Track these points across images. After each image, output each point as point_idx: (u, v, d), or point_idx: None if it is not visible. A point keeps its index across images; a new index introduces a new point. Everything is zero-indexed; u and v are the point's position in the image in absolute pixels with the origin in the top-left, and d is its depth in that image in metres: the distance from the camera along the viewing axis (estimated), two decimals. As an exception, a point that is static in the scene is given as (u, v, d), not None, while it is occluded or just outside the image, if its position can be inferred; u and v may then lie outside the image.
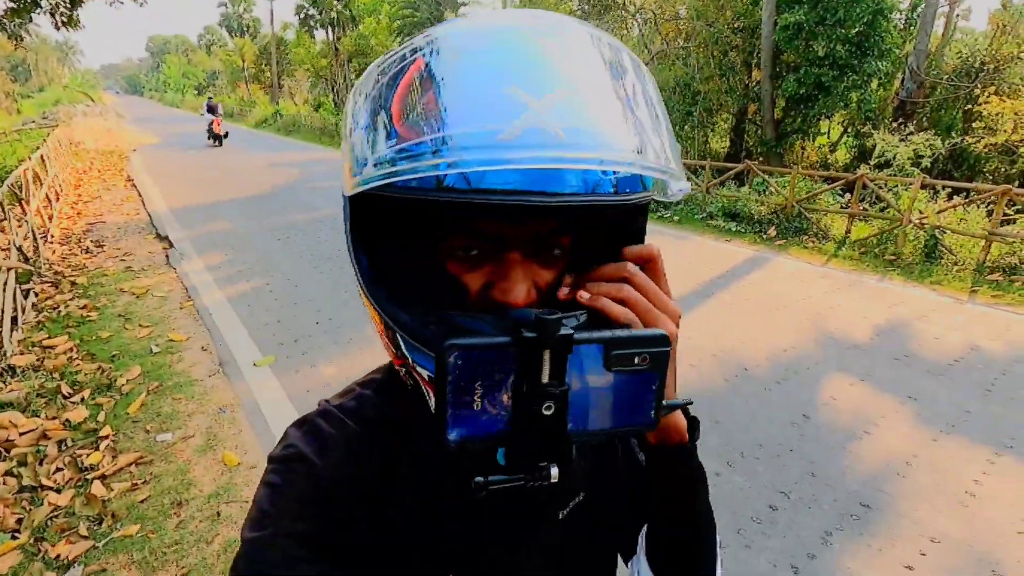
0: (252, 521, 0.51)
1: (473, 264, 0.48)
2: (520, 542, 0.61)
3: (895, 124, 11.26)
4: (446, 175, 0.41)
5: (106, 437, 3.08)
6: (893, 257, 6.36)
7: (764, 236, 7.34)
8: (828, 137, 15.88)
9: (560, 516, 0.64)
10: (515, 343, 0.37)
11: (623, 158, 0.41)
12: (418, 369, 0.48)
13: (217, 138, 18.46)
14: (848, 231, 6.98)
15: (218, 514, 2.54)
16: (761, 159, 13.15)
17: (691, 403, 0.58)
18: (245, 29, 51.37)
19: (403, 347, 0.49)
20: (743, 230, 7.59)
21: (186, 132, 24.38)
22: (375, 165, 0.42)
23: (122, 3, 11.78)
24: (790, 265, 6.26)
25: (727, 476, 2.74)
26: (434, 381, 0.38)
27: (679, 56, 14.56)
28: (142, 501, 2.62)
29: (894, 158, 8.81)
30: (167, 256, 6.61)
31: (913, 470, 2.80)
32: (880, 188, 7.20)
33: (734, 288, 5.45)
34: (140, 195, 10.40)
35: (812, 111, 12.62)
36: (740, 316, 4.69)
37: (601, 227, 0.54)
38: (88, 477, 2.77)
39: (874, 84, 12.20)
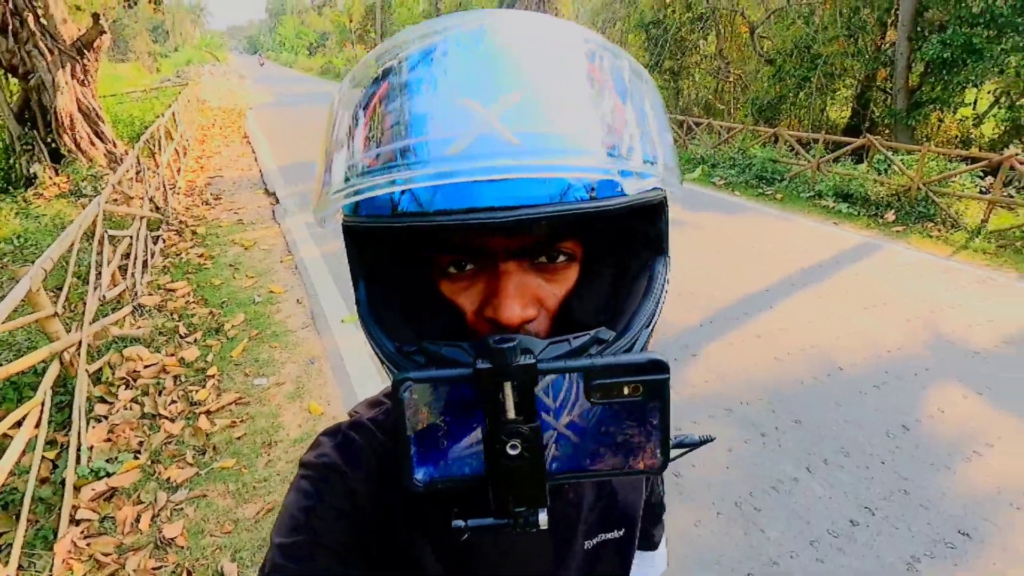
0: (284, 527, 0.51)
1: (467, 282, 0.46)
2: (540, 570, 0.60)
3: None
4: (399, 201, 0.39)
5: (212, 376, 3.44)
6: (1039, 253, 5.52)
7: (880, 220, 6.63)
8: (974, 109, 13.87)
9: (586, 546, 0.62)
10: (474, 375, 0.34)
11: (580, 163, 0.37)
12: None
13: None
14: (985, 220, 6.13)
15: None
16: (888, 132, 11.78)
17: (712, 439, 0.53)
18: (354, -11, 52.82)
19: (389, 375, 0.47)
20: (855, 212, 6.90)
21: (297, 92, 25.81)
22: (328, 191, 0.42)
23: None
24: (907, 255, 5.63)
25: (805, 482, 2.57)
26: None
27: (800, 14, 13.19)
28: (238, 438, 2.91)
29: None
30: (273, 211, 7.12)
31: (1030, 502, 2.48)
32: (1032, 171, 6.22)
33: (836, 277, 5.00)
34: (253, 152, 11.21)
35: (957, 78, 11.03)
36: (840, 308, 4.31)
37: (611, 230, 0.48)
38: (196, 411, 3.11)
39: (1041, 46, 10.40)
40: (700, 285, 4.65)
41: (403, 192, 0.39)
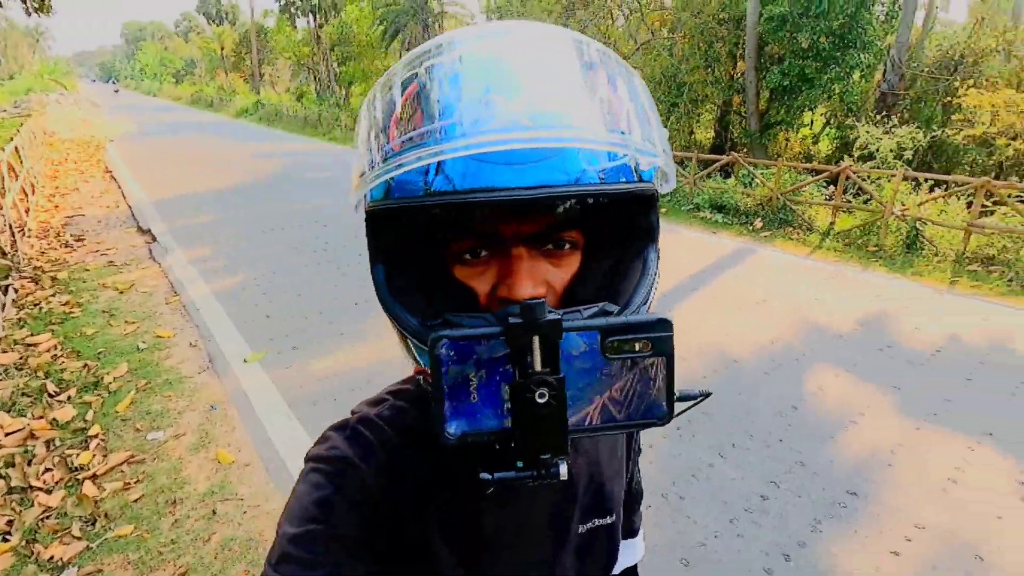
0: (295, 517, 0.51)
1: (480, 267, 0.49)
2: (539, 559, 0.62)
3: (878, 116, 11.41)
4: (432, 181, 0.43)
5: (95, 436, 3.05)
6: (876, 248, 6.48)
7: (750, 228, 7.42)
8: (811, 129, 16.04)
9: (581, 529, 0.65)
10: (503, 332, 0.37)
11: (600, 137, 0.43)
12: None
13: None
14: (832, 223, 7.09)
15: (214, 512, 2.53)
16: (746, 150, 13.25)
17: (710, 394, 0.57)
18: (224, 16, 50.20)
19: (415, 353, 0.49)
20: (730, 222, 7.67)
21: (165, 122, 23.88)
22: (367, 173, 0.45)
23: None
24: (776, 257, 6.35)
25: (720, 467, 2.79)
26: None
27: (664, 47, 14.56)
28: (135, 500, 2.60)
29: (877, 150, 8.94)
30: (150, 250, 6.49)
31: (898, 459, 2.88)
32: (863, 180, 7.31)
33: (721, 280, 5.52)
34: (120, 187, 10.18)
35: (796, 102, 12.74)
36: (727, 309, 4.76)
37: (609, 221, 0.54)
38: (79, 477, 2.74)
39: (856, 76, 12.32)
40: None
41: (436, 174, 0.42)
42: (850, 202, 7.20)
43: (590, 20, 14.69)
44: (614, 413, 0.40)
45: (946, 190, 6.86)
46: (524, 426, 0.38)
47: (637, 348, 0.39)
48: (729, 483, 2.69)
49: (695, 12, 13.52)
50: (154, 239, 6.90)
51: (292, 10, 30.72)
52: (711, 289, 5.25)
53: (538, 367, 0.37)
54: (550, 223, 0.49)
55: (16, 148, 8.77)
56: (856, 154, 10.73)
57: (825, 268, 5.96)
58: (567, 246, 0.51)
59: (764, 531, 2.40)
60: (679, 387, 0.46)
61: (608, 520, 0.68)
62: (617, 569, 0.86)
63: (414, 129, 0.43)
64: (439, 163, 0.42)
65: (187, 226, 7.44)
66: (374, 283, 0.50)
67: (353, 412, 0.61)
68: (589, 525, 0.66)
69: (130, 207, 8.63)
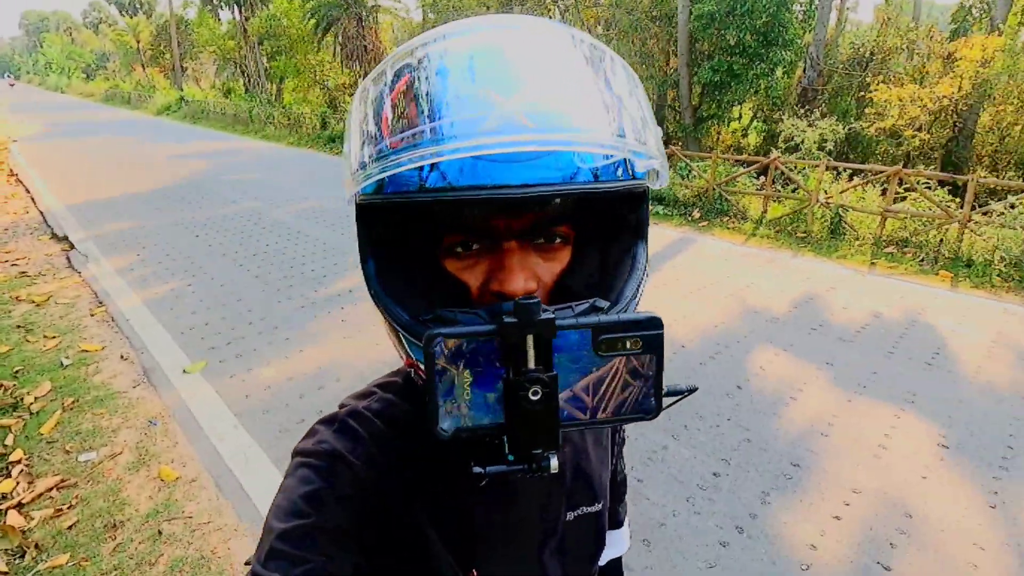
0: (283, 512, 0.50)
1: (472, 261, 0.49)
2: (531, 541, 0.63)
3: (802, 110, 12.11)
4: (427, 177, 0.42)
5: (18, 462, 2.80)
6: (804, 235, 6.88)
7: (689, 218, 7.71)
8: (740, 122, 16.84)
9: (569, 517, 0.66)
10: (498, 330, 0.38)
11: (598, 139, 0.43)
12: (422, 367, 0.48)
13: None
14: (764, 212, 7.47)
15: (159, 533, 2.39)
16: (681, 144, 13.74)
17: (696, 389, 0.61)
18: (138, 7, 47.02)
19: (407, 347, 0.49)
20: (670, 213, 7.93)
21: (77, 121, 22.18)
22: (362, 170, 0.45)
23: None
24: (714, 245, 6.63)
25: (674, 449, 2.89)
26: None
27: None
28: (70, 527, 2.42)
29: (802, 142, 9.50)
30: (68, 258, 6.02)
31: (834, 429, 3.08)
32: (791, 171, 7.74)
33: (665, 269, 5.71)
34: (28, 191, 9.38)
35: (726, 97, 13.34)
36: (672, 296, 4.93)
37: (599, 216, 0.55)
38: (1, 507, 2.51)
39: (779, 72, 13.05)
40: (555, 289, 4.98)
41: (431, 170, 0.42)
42: (779, 191, 7.60)
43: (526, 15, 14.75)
44: (604, 407, 0.41)
45: (864, 179, 7.37)
46: (517, 422, 0.39)
47: (628, 345, 0.39)
48: (683, 463, 2.79)
49: (628, 10, 13.88)
50: (72, 247, 6.40)
51: (215, 2, 29.17)
52: (657, 277, 5.42)
53: (531, 365, 0.37)
54: (542, 218, 0.49)
55: (-98, 150, 7.91)
56: (782, 146, 11.35)
57: (760, 255, 6.28)
58: (558, 240, 0.51)
59: (718, 506, 2.52)
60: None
61: (595, 507, 0.69)
62: (602, 560, 0.88)
63: (408, 125, 0.42)
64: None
65: (109, 232, 6.94)
66: (365, 277, 0.50)
67: (341, 406, 0.59)
68: (577, 512, 0.67)
69: (42, 213, 7.96)
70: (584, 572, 0.71)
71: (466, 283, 0.49)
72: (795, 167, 8.04)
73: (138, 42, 38.43)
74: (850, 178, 7.72)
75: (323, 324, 4.39)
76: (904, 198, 6.92)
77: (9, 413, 3.23)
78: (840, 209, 6.75)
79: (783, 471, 2.75)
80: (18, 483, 2.67)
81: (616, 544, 0.88)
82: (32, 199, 8.85)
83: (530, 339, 0.37)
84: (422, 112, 0.42)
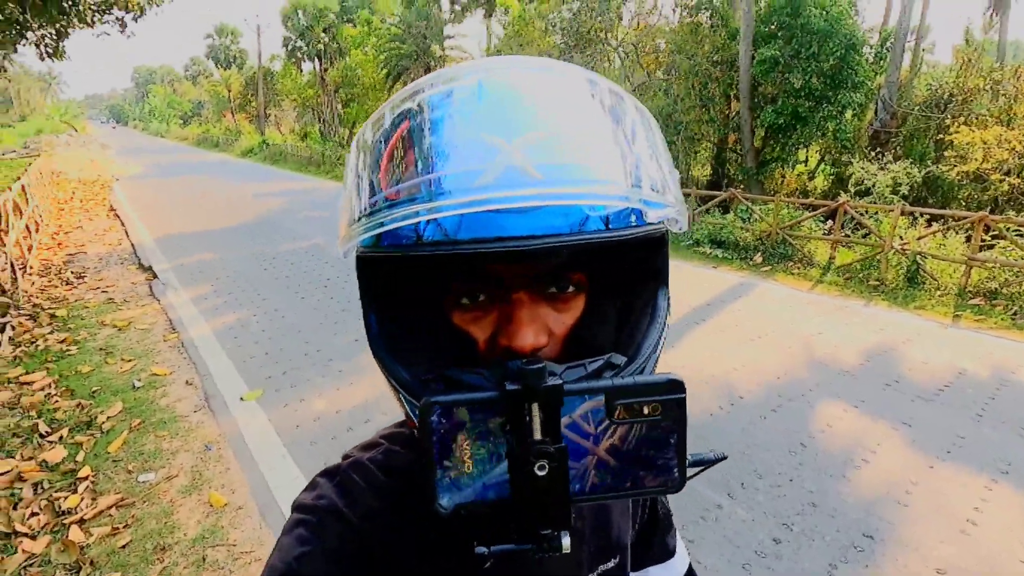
0: (276, 572, 0.48)
1: (479, 313, 0.47)
2: None
3: (873, 153, 11.61)
4: (424, 229, 0.40)
5: (85, 478, 2.96)
6: (877, 283, 6.47)
7: (750, 262, 7.44)
8: (806, 165, 16.30)
9: None
10: (499, 399, 0.35)
11: (603, 191, 0.40)
12: None
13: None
14: (832, 257, 7.10)
15: (203, 559, 2.43)
16: (742, 186, 13.43)
17: (725, 457, 0.54)
18: (232, 60, 51.79)
19: (406, 407, 0.47)
20: (730, 256, 7.69)
21: (170, 163, 24.29)
22: (355, 224, 0.43)
23: (108, 34, 11.82)
24: (777, 291, 6.33)
25: (729, 508, 2.69)
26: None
27: (660, 87, 14.95)
28: (123, 547, 2.50)
29: (873, 186, 9.05)
30: (150, 287, 6.49)
31: (913, 498, 2.78)
32: (861, 216, 7.36)
33: (723, 315, 5.48)
34: (123, 225, 10.27)
35: (790, 140, 13.01)
36: (731, 343, 4.71)
37: (615, 262, 0.51)
38: (65, 522, 2.64)
39: (848, 114, 12.62)
40: (606, 331, 4.88)
41: (428, 222, 0.39)
42: (849, 236, 7.23)
43: (587, 63, 15.09)
44: (621, 479, 0.38)
45: (944, 224, 6.89)
46: (523, 499, 0.36)
47: (646, 411, 0.36)
48: (740, 525, 2.59)
49: (689, 55, 13.94)
50: (155, 276, 6.91)
51: (298, 55, 31.74)
52: (714, 322, 5.21)
53: (537, 436, 0.35)
54: (553, 266, 0.46)
55: (23, 187, 8.89)
56: (852, 190, 10.86)
57: (827, 302, 5.94)
58: (571, 289, 0.48)
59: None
60: (692, 450, 0.42)
61: (613, 563, 0.64)
62: None
63: (405, 175, 0.40)
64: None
65: (188, 264, 7.45)
66: (367, 332, 0.48)
67: (345, 456, 0.58)
68: (596, 572, 0.62)
69: (132, 245, 8.67)
70: None
71: (474, 337, 0.47)
72: (866, 212, 7.64)
73: (229, 91, 42.12)
74: (928, 224, 7.25)
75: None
76: (992, 246, 6.40)
77: (83, 430, 3.43)
78: (918, 256, 6.32)
79: (854, 542, 2.49)
80: (83, 499, 2.81)
81: (674, 567, 0.83)
82: (126, 232, 9.67)
83: (535, 408, 0.34)
84: (420, 162, 0.40)
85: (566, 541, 0.38)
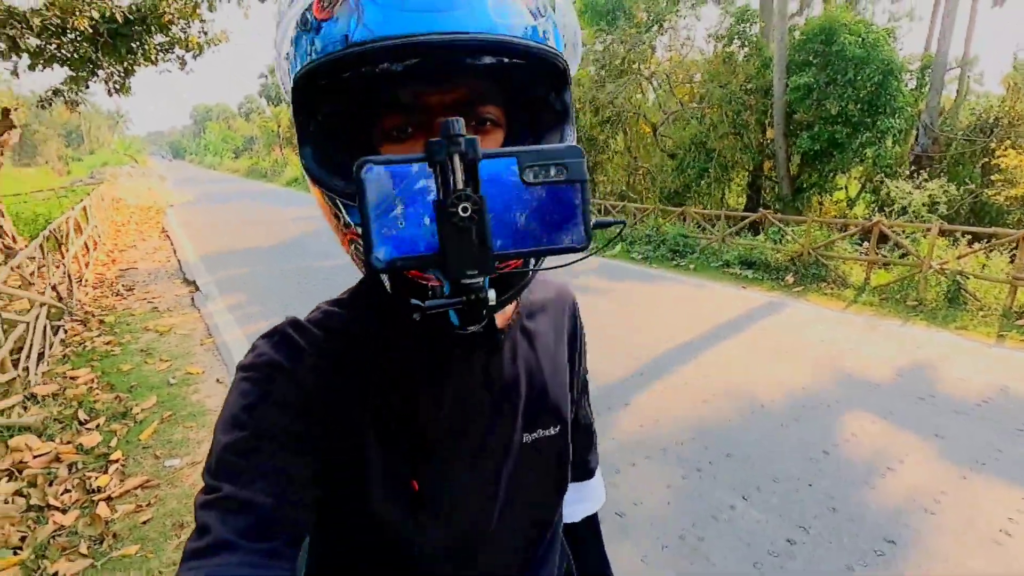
0: (227, 424, 0.50)
1: (408, 144, 0.51)
2: (485, 456, 0.61)
3: (917, 178, 11.29)
4: (354, 32, 0.45)
5: (116, 461, 3.11)
6: (915, 303, 6.23)
7: (782, 283, 7.28)
8: (846, 192, 15.93)
9: (525, 440, 0.64)
10: (425, 152, 0.38)
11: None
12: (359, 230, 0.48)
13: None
14: (867, 278, 6.89)
15: (218, 536, 2.50)
16: (781, 214, 13.22)
17: (624, 223, 0.57)
18: (282, 98, 54.52)
19: (344, 213, 0.51)
20: (760, 277, 7.55)
21: (220, 192, 25.58)
22: (292, 48, 0.48)
23: (170, 71, 12.72)
24: (808, 310, 6.17)
25: (742, 509, 2.62)
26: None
27: (694, 115, 15.00)
28: (144, 523, 2.61)
29: (909, 205, 8.78)
30: (192, 298, 6.81)
31: (942, 507, 2.64)
32: (898, 235, 7.15)
33: (750, 331, 5.37)
34: (172, 244, 10.84)
35: (828, 167, 12.77)
36: (756, 356, 4.60)
37: (526, 102, 0.57)
38: (94, 499, 2.77)
39: (889, 141, 12.34)
40: (627, 343, 4.84)
41: (357, 26, 0.45)
42: (885, 257, 7.01)
43: (619, 91, 15.32)
44: (534, 237, 0.41)
45: (987, 244, 6.62)
46: (450, 243, 0.38)
47: (552, 173, 0.40)
48: (753, 526, 2.51)
49: (722, 84, 13.99)
50: (197, 289, 7.25)
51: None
52: (741, 337, 5.11)
53: (459, 185, 0.38)
54: (471, 94, 0.51)
55: (84, 208, 9.54)
56: (893, 214, 10.54)
57: (861, 321, 5.74)
58: (488, 123, 0.54)
59: (791, 575, 2.21)
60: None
61: (553, 431, 0.66)
62: (577, 516, 0.83)
63: None
64: (359, 17, 0.45)
65: (228, 278, 7.79)
66: (302, 163, 0.52)
67: (286, 318, 0.62)
68: (534, 436, 0.65)
69: (179, 262, 9.14)
70: (547, 501, 0.68)
71: None
72: (903, 231, 7.41)
73: (279, 126, 44.33)
74: (970, 244, 6.97)
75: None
76: (1040, 266, 6.08)
77: (119, 420, 3.61)
78: (959, 276, 6.07)
79: (874, 546, 2.38)
80: (112, 479, 2.95)
81: (590, 497, 0.84)
82: (174, 251, 10.21)
83: (457, 159, 0.38)
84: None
85: (491, 293, 0.42)
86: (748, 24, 14.25)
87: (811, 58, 12.29)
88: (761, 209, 13.61)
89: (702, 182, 14.74)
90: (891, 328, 5.52)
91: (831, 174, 13.24)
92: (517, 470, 0.63)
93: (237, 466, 0.48)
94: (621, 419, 3.51)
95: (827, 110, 11.83)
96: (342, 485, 0.55)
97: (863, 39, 11.50)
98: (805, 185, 13.59)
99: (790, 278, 7.30)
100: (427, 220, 0.40)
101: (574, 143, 0.55)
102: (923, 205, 8.50)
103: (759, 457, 3.06)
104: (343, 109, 0.53)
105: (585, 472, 0.83)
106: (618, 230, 0.55)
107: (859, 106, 11.72)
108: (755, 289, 7.11)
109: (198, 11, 10.88)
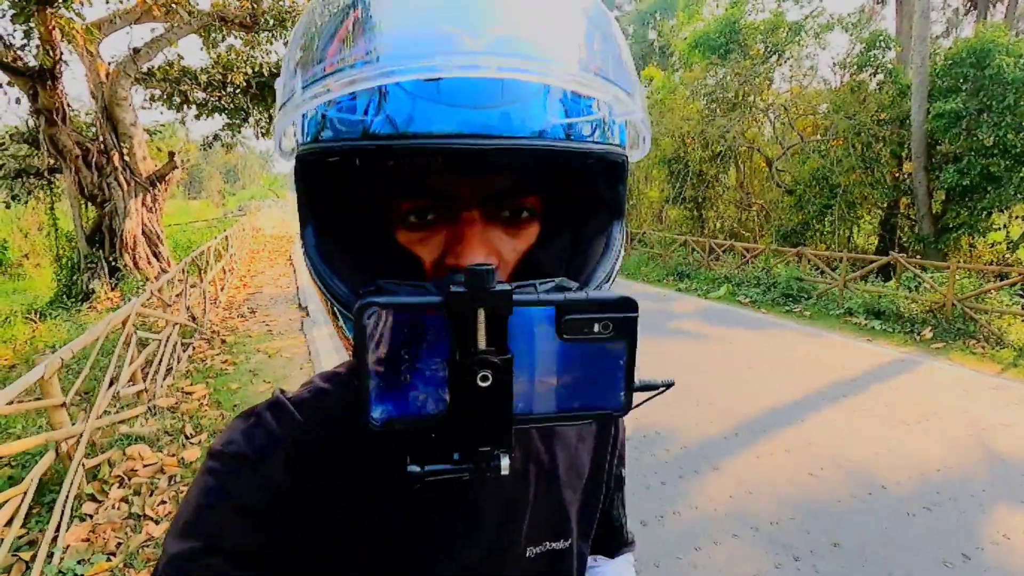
0: (180, 529, 0.45)
1: (426, 232, 0.44)
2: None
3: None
4: (372, 122, 0.37)
5: (208, 477, 3.33)
6: (1100, 372, 5.10)
7: (917, 337, 6.34)
8: (1006, 234, 13.78)
9: (528, 554, 0.54)
10: (444, 302, 0.32)
11: (567, 72, 0.37)
12: None
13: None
14: (1032, 337, 5.80)
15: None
16: (919, 257, 11.73)
17: (672, 384, 0.47)
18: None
19: (343, 324, 0.45)
20: (890, 329, 6.64)
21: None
22: (284, 106, 0.40)
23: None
24: (950, 371, 5.28)
25: (848, 617, 2.19)
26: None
27: (815, 149, 13.92)
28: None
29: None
30: (302, 323, 7.35)
31: None
32: (1074, 288, 5.97)
33: (873, 392, 4.68)
34: (295, 272, 11.89)
35: (981, 204, 11.17)
36: (879, 424, 3.98)
37: (572, 189, 0.48)
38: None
39: (1062, 174, 10.55)
40: (724, 397, 4.42)
41: (377, 114, 0.37)
42: (1057, 313, 5.88)
43: (732, 126, 14.65)
44: (564, 400, 0.35)
45: None
46: (463, 412, 0.33)
47: (596, 329, 0.34)
48: (861, 640, 2.08)
49: (850, 115, 12.88)
50: (307, 314, 7.82)
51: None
52: (862, 399, 4.46)
53: (482, 345, 0.32)
54: (507, 185, 0.44)
55: (226, 237, 10.80)
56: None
57: (1021, 389, 4.80)
58: (525, 214, 0.46)
59: None
60: (641, 376, 0.39)
61: (563, 544, 0.57)
62: None
63: (350, 46, 0.37)
64: (380, 101, 0.37)
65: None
66: (303, 246, 0.46)
67: (273, 393, 0.55)
68: (539, 549, 0.55)
69: (297, 288, 9.97)
70: None
71: (420, 258, 0.44)
72: (1083, 284, 6.19)
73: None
74: None
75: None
76: None
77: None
78: None
79: None
80: (202, 495, 3.15)
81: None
82: (295, 278, 11.18)
83: (481, 314, 0.32)
84: (368, 32, 0.38)
85: (505, 463, 0.36)
86: (882, 50, 13.08)
87: (959, 83, 10.98)
88: (892, 252, 12.18)
89: (824, 220, 13.53)
90: (1064, 401, 4.54)
91: (985, 212, 11.54)
92: None
93: None
94: (708, 485, 3.16)
95: (979, 140, 10.45)
96: None
97: (1023, 59, 10.06)
98: (952, 224, 11.94)
99: (928, 332, 6.34)
100: (439, 377, 0.34)
101: (622, 248, 0.48)
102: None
103: (875, 551, 2.57)
104: (355, 186, 0.46)
105: (605, 549, 0.71)
106: (661, 390, 0.46)
107: (1021, 135, 10.19)
108: (883, 342, 6.26)
109: (331, 63, 12.17)
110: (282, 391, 0.54)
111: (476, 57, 0.34)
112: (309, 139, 0.41)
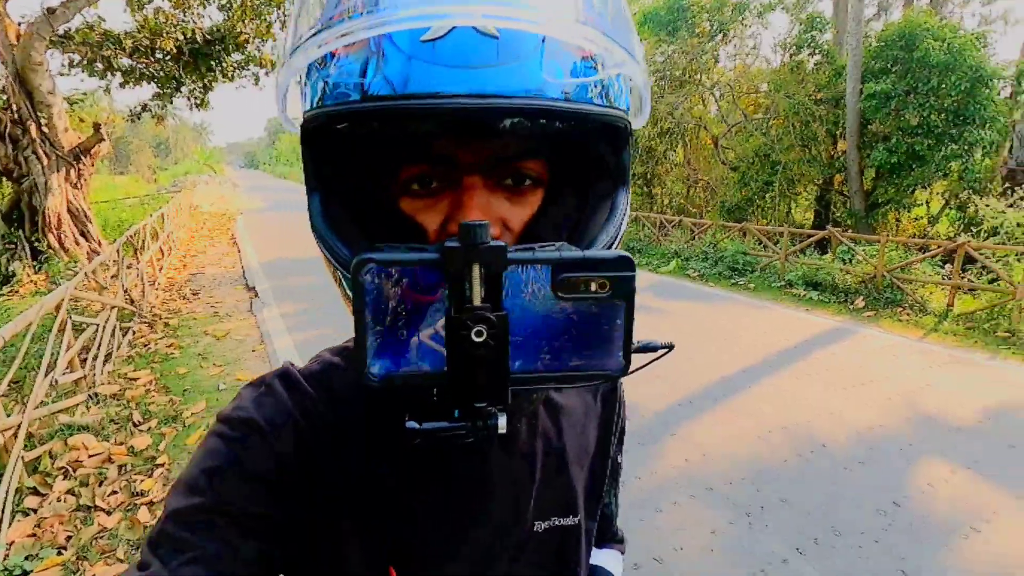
0: (183, 488, 0.44)
1: (430, 200, 0.44)
2: (484, 549, 0.53)
3: (1011, 195, 10.34)
4: (371, 84, 0.37)
5: (162, 465, 3.20)
6: (1007, 334, 5.62)
7: (851, 307, 6.78)
8: (927, 209, 14.81)
9: (536, 528, 0.55)
10: (439, 257, 0.32)
11: (562, 23, 0.37)
12: None
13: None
14: (951, 304, 6.30)
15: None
16: (850, 231, 12.44)
17: (672, 347, 0.50)
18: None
19: (349, 291, 0.44)
20: (826, 299, 7.07)
21: (288, 200, 26.84)
22: (287, 59, 0.40)
23: (245, 87, 13.52)
24: (880, 338, 5.69)
25: (797, 565, 2.37)
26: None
27: (758, 127, 14.41)
28: (180, 530, 2.65)
29: (1001, 225, 7.99)
30: (251, 304, 7.08)
31: (1037, 580, 2.30)
32: (987, 258, 6.51)
33: (812, 359, 5.00)
34: (239, 251, 11.39)
35: (906, 181, 11.92)
36: (817, 388, 4.26)
37: (575, 157, 0.48)
38: (137, 503, 2.86)
39: (978, 153, 11.38)
40: (677, 367, 4.60)
41: (375, 74, 0.37)
42: (972, 282, 6.40)
43: (680, 103, 14.94)
44: (562, 359, 0.35)
45: (1096, 271, 5.92)
46: (459, 368, 0.33)
47: (593, 288, 0.34)
48: (808, 585, 2.26)
49: (789, 94, 13.38)
50: (256, 295, 7.54)
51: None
52: (803, 365, 4.76)
53: (477, 301, 0.32)
54: (509, 149, 0.44)
55: (162, 215, 10.19)
56: (982, 235, 9.67)
57: (942, 352, 5.23)
58: (528, 181, 0.46)
59: (850, 649, 1.97)
60: (640, 337, 0.40)
61: (571, 520, 0.58)
62: None
63: (349, 2, 0.38)
64: (379, 63, 0.37)
65: (286, 286, 8.07)
66: (309, 213, 0.46)
67: (282, 364, 0.55)
68: (547, 524, 0.56)
69: (243, 268, 9.57)
70: None
71: (423, 225, 0.44)
72: (993, 253, 6.74)
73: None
74: (1076, 270, 6.25)
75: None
76: None
77: (170, 423, 3.75)
78: (1061, 306, 5.44)
79: (952, 622, 2.09)
80: (156, 483, 3.04)
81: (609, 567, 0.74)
82: (240, 257, 10.72)
83: (476, 269, 0.32)
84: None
85: (502, 421, 0.36)
86: (819, 31, 13.58)
87: (889, 65, 11.57)
88: (829, 226, 12.87)
89: (766, 196, 14.11)
90: (977, 362, 4.99)
91: (910, 189, 12.34)
92: (522, 563, 0.54)
93: (180, 542, 0.41)
94: (665, 450, 3.31)
95: (906, 120, 11.09)
96: (313, 563, 0.48)
97: (948, 44, 10.70)
98: (880, 200, 12.72)
99: (860, 301, 6.79)
100: (436, 332, 0.34)
101: (626, 215, 0.48)
102: (1018, 225, 7.70)
103: (818, 505, 2.78)
104: (359, 153, 0.46)
105: (604, 535, 0.75)
106: (661, 354, 0.47)
107: (943, 116, 10.91)
108: (820, 312, 6.66)
109: (271, 30, 11.50)
110: (291, 364, 0.54)
111: (468, 5, 0.34)
112: (313, 104, 0.41)
